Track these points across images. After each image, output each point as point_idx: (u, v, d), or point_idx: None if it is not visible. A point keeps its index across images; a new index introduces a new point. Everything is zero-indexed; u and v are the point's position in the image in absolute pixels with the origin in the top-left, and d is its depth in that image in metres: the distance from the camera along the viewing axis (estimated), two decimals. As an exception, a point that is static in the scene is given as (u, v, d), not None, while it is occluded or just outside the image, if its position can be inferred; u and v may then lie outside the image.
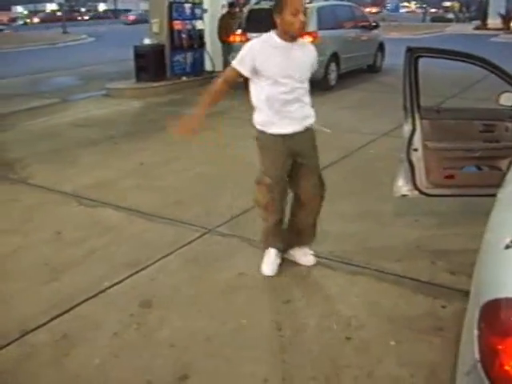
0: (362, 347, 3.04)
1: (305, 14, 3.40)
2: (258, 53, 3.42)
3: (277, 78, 3.42)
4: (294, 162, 3.62)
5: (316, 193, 3.73)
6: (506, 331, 1.46)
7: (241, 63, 3.46)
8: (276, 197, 3.64)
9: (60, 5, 44.37)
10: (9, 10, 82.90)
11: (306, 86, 3.59)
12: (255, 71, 3.43)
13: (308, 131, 3.62)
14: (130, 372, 2.91)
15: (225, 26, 12.44)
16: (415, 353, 2.98)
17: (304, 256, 3.98)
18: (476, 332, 1.55)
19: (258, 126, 3.59)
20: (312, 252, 4.00)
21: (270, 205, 3.67)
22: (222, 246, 4.30)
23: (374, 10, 74.80)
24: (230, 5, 12.90)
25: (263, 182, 3.61)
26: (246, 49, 3.47)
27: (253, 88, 3.56)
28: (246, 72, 3.45)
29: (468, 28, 39.93)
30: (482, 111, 4.51)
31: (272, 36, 3.47)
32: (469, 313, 1.90)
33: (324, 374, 2.85)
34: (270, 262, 3.86)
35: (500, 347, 1.45)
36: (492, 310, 1.54)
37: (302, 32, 3.46)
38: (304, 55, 3.54)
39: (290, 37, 3.42)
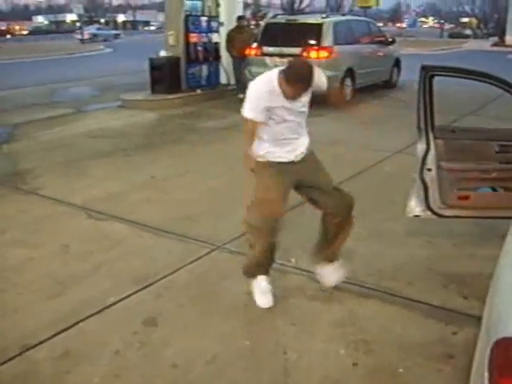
0: (369, 374, 2.95)
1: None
2: (266, 94, 3.29)
3: (282, 117, 3.35)
4: (306, 187, 3.59)
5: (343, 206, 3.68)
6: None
7: (252, 110, 3.31)
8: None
9: (79, 15, 44.94)
10: (30, 19, 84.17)
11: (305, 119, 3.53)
12: (265, 116, 3.32)
13: (307, 155, 3.56)
14: (130, 393, 2.85)
15: (231, 40, 12.37)
16: (424, 381, 2.89)
17: (333, 273, 3.84)
18: (486, 372, 1.46)
19: (259, 159, 3.49)
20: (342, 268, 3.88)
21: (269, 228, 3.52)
22: (229, 263, 4.22)
23: (404, 25, 78.68)
24: (239, 18, 12.80)
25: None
26: (253, 93, 3.33)
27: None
28: (262, 118, 3.32)
29: (485, 44, 39.75)
30: (498, 131, 4.42)
31: (275, 85, 3.29)
32: (480, 345, 1.81)
33: (329, 400, 2.77)
34: (262, 291, 3.67)
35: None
36: (504, 349, 1.44)
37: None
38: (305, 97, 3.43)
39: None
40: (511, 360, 1.41)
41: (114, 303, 3.67)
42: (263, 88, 3.34)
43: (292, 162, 3.49)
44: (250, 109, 3.33)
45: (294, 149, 3.50)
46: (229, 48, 12.47)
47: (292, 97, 3.27)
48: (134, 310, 3.62)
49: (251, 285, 3.70)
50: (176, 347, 3.21)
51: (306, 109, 3.48)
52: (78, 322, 3.45)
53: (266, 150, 3.46)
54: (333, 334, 3.33)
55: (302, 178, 3.56)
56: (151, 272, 4.09)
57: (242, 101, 3.44)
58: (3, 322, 3.51)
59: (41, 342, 3.24)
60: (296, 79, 3.21)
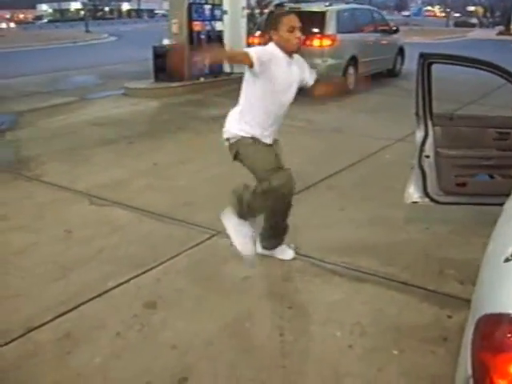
0: (364, 355, 3.01)
1: (300, 30, 3.42)
2: (273, 56, 3.41)
3: (279, 87, 3.47)
4: None
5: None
6: (497, 347, 1.42)
7: (257, 53, 3.33)
8: None
9: (84, 4, 44.89)
10: (34, 8, 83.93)
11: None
12: (263, 70, 3.36)
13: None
14: (129, 372, 2.92)
15: None
16: (417, 363, 2.94)
17: (282, 252, 4.06)
18: (469, 347, 1.52)
19: (243, 133, 3.69)
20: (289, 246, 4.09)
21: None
22: (229, 249, 4.25)
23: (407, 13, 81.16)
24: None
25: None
26: (263, 49, 3.48)
27: (249, 89, 3.60)
28: (258, 64, 3.30)
29: (491, 33, 39.55)
30: (496, 119, 4.44)
31: (274, 47, 3.48)
32: (467, 326, 1.87)
33: (324, 381, 2.83)
34: (243, 237, 3.84)
35: (491, 363, 1.42)
36: (485, 325, 1.50)
37: (299, 48, 3.49)
38: (299, 69, 3.62)
39: (287, 53, 3.46)
40: (489, 335, 1.46)
41: (115, 287, 3.74)
42: (270, 47, 3.49)
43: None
44: (256, 50, 3.40)
45: (272, 134, 3.73)
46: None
47: (289, 36, 3.38)
48: (134, 293, 3.68)
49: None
50: (175, 329, 3.27)
51: (294, 92, 3.62)
52: (79, 305, 3.51)
53: (250, 126, 3.66)
54: (329, 317, 3.39)
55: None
56: (152, 257, 4.15)
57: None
58: (7, 304, 3.58)
59: (43, 324, 3.31)
60: (284, 15, 3.45)
